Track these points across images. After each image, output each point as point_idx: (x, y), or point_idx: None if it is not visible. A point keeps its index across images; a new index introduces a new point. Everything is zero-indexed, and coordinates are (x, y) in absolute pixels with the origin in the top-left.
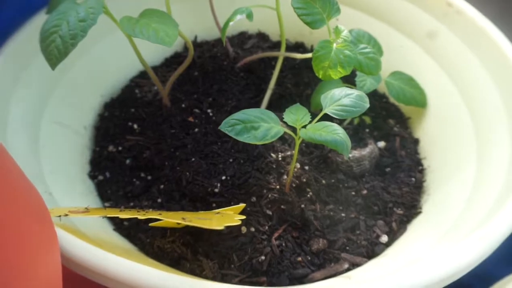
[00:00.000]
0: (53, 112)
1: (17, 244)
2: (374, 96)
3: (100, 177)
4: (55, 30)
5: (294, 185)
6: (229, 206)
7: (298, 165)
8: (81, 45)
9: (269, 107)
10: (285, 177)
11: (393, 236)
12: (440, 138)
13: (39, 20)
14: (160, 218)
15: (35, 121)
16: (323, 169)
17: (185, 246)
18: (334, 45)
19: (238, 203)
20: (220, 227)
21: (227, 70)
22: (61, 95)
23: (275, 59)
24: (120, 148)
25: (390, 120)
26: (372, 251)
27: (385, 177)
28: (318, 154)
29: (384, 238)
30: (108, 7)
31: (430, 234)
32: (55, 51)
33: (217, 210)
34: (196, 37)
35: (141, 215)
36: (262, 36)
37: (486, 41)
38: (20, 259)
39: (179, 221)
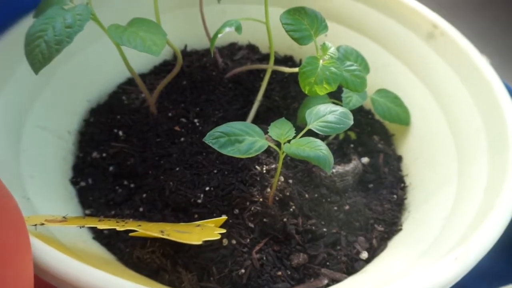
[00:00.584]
0: (37, 116)
1: None
2: (360, 112)
3: (82, 184)
4: (40, 35)
5: (277, 198)
6: (212, 217)
7: (282, 179)
8: (68, 49)
9: (256, 119)
10: (268, 190)
11: (373, 252)
12: (422, 156)
13: (27, 23)
14: (139, 230)
15: (18, 125)
16: (307, 183)
17: (165, 257)
18: (321, 61)
19: (220, 215)
20: (198, 242)
21: (216, 81)
22: (47, 99)
23: (264, 71)
24: (104, 155)
25: (375, 136)
26: (352, 267)
27: (367, 193)
28: (302, 168)
29: (364, 255)
30: (96, 14)
31: (410, 252)
32: (39, 56)
33: (197, 222)
34: (186, 46)
35: (119, 226)
36: (252, 48)
37: (467, 63)
38: None
39: (157, 235)
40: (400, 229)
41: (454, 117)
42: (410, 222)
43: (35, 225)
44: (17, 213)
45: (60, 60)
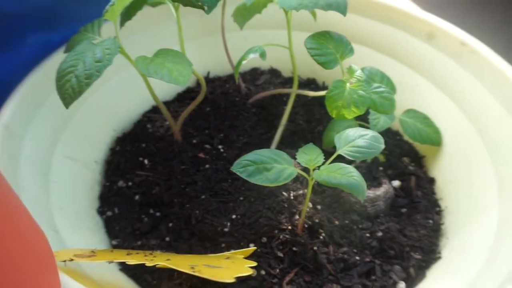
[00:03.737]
0: (65, 146)
1: None
2: (388, 133)
3: (109, 213)
4: (71, 70)
5: (306, 225)
6: (239, 246)
7: (310, 205)
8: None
9: (281, 143)
10: (297, 217)
11: (411, 283)
12: (457, 177)
13: (56, 58)
14: (168, 265)
15: (47, 157)
16: (336, 209)
17: None
18: (348, 84)
19: (248, 244)
20: (230, 279)
21: (239, 106)
22: (74, 129)
23: (287, 95)
24: (130, 184)
25: (405, 158)
26: None
27: (400, 218)
28: (330, 193)
29: (402, 285)
30: (123, 45)
31: (453, 283)
32: (69, 90)
33: (226, 254)
34: (208, 73)
35: (148, 261)
36: (274, 72)
37: (500, 79)
38: None
39: (188, 271)
40: (439, 257)
41: (490, 136)
42: (450, 250)
43: (65, 261)
44: (47, 250)
45: (86, 91)
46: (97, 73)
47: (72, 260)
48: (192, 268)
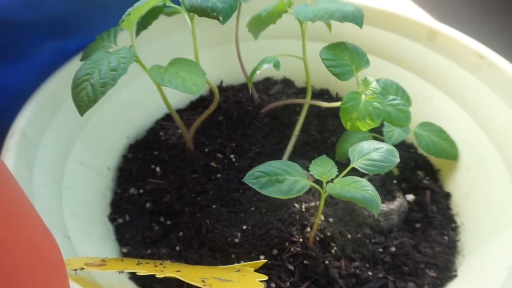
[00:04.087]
0: (78, 153)
1: None
2: (402, 146)
3: (120, 220)
4: (87, 78)
5: (318, 238)
6: (249, 258)
7: (322, 217)
8: None
9: (293, 154)
10: (308, 229)
11: None
12: (474, 192)
13: (72, 66)
14: (178, 277)
15: (61, 163)
16: (348, 222)
17: None
18: (363, 96)
19: (258, 255)
20: None
21: (252, 116)
22: (87, 137)
23: (300, 105)
24: (141, 191)
25: (419, 172)
26: None
27: (415, 234)
28: (343, 206)
29: None
30: (138, 54)
31: None
32: (85, 98)
33: (237, 266)
34: (222, 82)
35: (158, 272)
36: (287, 82)
37: None
38: None
39: (198, 284)
40: (455, 275)
41: (509, 151)
42: (466, 268)
43: (75, 269)
44: (58, 258)
45: (101, 99)
46: (112, 82)
47: (83, 268)
48: (203, 281)
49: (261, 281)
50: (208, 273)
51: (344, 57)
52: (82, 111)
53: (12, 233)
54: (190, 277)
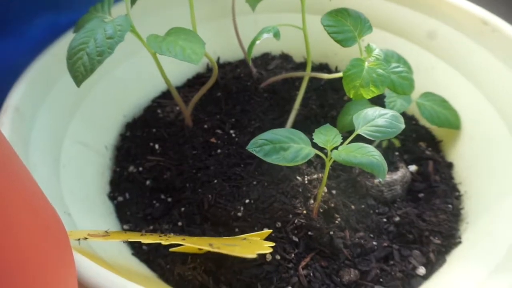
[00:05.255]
0: (75, 131)
1: (35, 272)
2: (403, 118)
3: (120, 198)
4: (82, 48)
5: (321, 210)
6: (253, 231)
7: (325, 189)
8: (104, 66)
9: (294, 128)
10: (312, 201)
11: (431, 268)
12: (477, 161)
13: (65, 40)
14: (185, 243)
15: (57, 141)
16: (351, 194)
17: (207, 274)
18: (366, 63)
19: (262, 228)
20: (253, 255)
21: (251, 91)
22: (84, 115)
23: (299, 80)
24: (140, 169)
25: (421, 143)
26: (408, 284)
27: (418, 203)
28: (346, 178)
29: (422, 270)
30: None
31: (475, 269)
32: (81, 68)
33: (243, 236)
34: (219, 58)
35: (164, 240)
36: (285, 57)
37: None
38: (37, 285)
39: (206, 248)
40: (460, 242)
41: None
42: (471, 234)
43: (78, 239)
44: (60, 228)
45: (96, 76)
46: (109, 50)
47: (86, 238)
48: (211, 245)
49: (271, 247)
50: (214, 241)
51: (346, 23)
52: (78, 82)
53: (13, 199)
54: (197, 243)
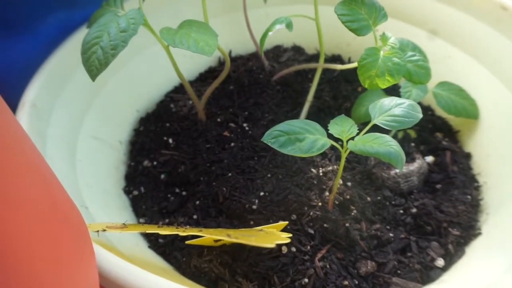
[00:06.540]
0: (90, 126)
1: (56, 262)
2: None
3: (135, 192)
4: (96, 42)
5: (337, 202)
6: (268, 223)
7: (340, 181)
8: (117, 60)
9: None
10: (327, 193)
11: (450, 259)
12: (496, 151)
13: (79, 36)
14: (202, 235)
15: (73, 136)
16: (367, 186)
17: (223, 266)
18: (381, 52)
19: (277, 221)
20: (271, 244)
21: (263, 84)
22: (98, 110)
23: (312, 72)
24: (155, 163)
25: (438, 134)
26: (427, 276)
27: (436, 194)
28: (361, 170)
29: (440, 262)
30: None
31: (495, 260)
32: (96, 62)
33: (259, 228)
34: (230, 52)
35: (181, 232)
36: (297, 49)
37: None
38: (59, 277)
39: (224, 238)
40: (479, 233)
41: None
42: (491, 226)
43: (97, 231)
44: (80, 220)
45: (109, 72)
46: (122, 43)
47: (104, 230)
48: (228, 236)
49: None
50: (231, 232)
51: (361, 11)
52: (93, 76)
53: (36, 190)
54: (214, 234)
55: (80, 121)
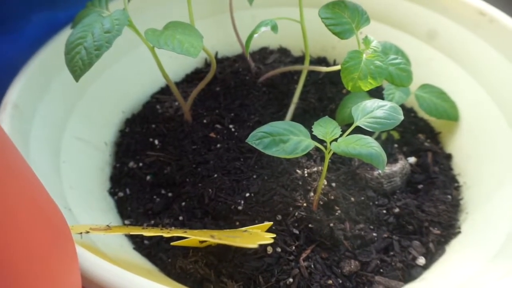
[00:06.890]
0: (74, 127)
1: (39, 264)
2: (402, 110)
3: (120, 194)
4: (80, 42)
5: (321, 202)
6: (253, 224)
7: (325, 182)
8: (102, 61)
9: (293, 121)
10: (311, 194)
11: (431, 258)
12: (475, 152)
13: (63, 36)
14: (186, 236)
15: (57, 137)
16: (351, 186)
17: (208, 267)
18: (364, 55)
19: (262, 221)
20: (254, 245)
21: (249, 85)
22: (83, 111)
23: (298, 73)
24: (140, 164)
25: (420, 135)
26: (408, 274)
27: (418, 195)
28: (345, 171)
29: (421, 260)
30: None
31: (474, 258)
32: (79, 63)
33: (244, 228)
34: (217, 53)
35: (165, 233)
36: (283, 51)
37: None
38: (40, 279)
39: (208, 239)
40: (459, 232)
41: (511, 109)
42: (470, 224)
43: (81, 233)
44: (62, 222)
45: (94, 73)
46: (107, 44)
47: (88, 232)
48: (212, 237)
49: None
50: (216, 233)
51: (344, 15)
52: (77, 76)
53: (16, 192)
54: (198, 235)
55: (64, 122)
